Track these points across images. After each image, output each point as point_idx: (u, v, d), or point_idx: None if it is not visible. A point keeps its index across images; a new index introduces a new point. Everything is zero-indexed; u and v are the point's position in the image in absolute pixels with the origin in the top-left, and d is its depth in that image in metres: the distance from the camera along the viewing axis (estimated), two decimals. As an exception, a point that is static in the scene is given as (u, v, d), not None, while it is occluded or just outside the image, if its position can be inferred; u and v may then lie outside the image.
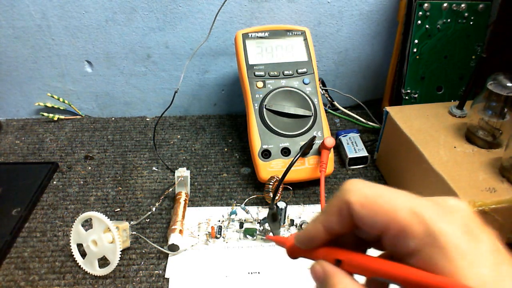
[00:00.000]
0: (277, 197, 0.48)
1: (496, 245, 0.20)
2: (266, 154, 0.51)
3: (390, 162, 0.53)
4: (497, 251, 0.20)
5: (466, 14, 0.56)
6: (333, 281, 0.22)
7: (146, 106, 0.69)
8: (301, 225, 0.46)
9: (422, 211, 0.20)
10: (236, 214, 0.47)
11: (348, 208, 0.22)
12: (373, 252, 0.23)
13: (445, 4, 0.55)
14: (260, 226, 0.45)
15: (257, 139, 0.51)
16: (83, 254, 0.41)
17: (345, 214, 0.23)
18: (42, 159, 0.58)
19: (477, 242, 0.20)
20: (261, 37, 0.55)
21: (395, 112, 0.52)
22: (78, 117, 0.68)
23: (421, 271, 0.20)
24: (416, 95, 0.59)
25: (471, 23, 0.56)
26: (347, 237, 0.24)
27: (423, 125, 0.49)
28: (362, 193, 0.22)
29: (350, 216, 0.22)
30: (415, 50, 0.57)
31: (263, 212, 0.49)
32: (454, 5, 0.55)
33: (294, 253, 0.26)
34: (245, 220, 0.47)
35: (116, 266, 0.40)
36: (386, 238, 0.22)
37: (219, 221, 0.47)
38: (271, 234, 0.45)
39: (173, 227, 0.44)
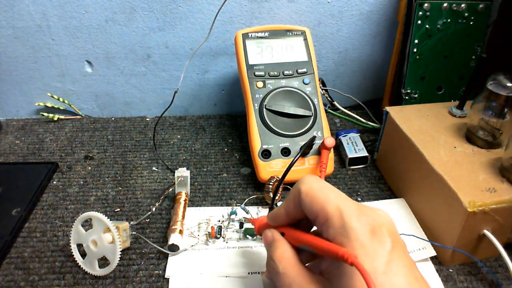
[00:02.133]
0: (277, 197, 0.48)
1: (397, 249, 0.25)
2: (266, 154, 0.51)
3: (390, 162, 0.53)
4: (394, 253, 0.25)
5: (466, 14, 0.56)
6: (276, 244, 0.30)
7: (146, 106, 0.69)
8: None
9: (344, 209, 0.26)
10: (236, 214, 0.47)
11: (299, 196, 0.28)
12: None
13: (445, 4, 0.55)
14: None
15: (257, 139, 0.51)
16: (83, 254, 0.41)
17: (298, 201, 0.29)
18: (42, 159, 0.58)
19: (380, 242, 0.25)
20: (261, 37, 0.55)
21: (395, 112, 0.52)
22: (78, 117, 0.68)
23: (325, 241, 0.26)
24: (416, 95, 0.59)
25: (471, 23, 0.56)
26: (304, 223, 0.31)
27: (423, 125, 0.49)
28: (310, 185, 0.28)
29: (300, 203, 0.28)
30: (415, 50, 0.57)
31: (263, 212, 0.49)
32: (454, 5, 0.55)
33: (261, 229, 0.34)
34: (245, 220, 0.47)
35: (116, 266, 0.40)
36: (317, 224, 0.28)
37: (219, 221, 0.47)
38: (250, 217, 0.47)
39: (173, 227, 0.44)
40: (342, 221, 0.25)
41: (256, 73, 0.54)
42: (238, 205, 0.49)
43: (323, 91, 0.65)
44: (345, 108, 0.66)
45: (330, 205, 0.26)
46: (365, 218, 0.26)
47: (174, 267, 0.42)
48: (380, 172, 0.56)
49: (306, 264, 0.30)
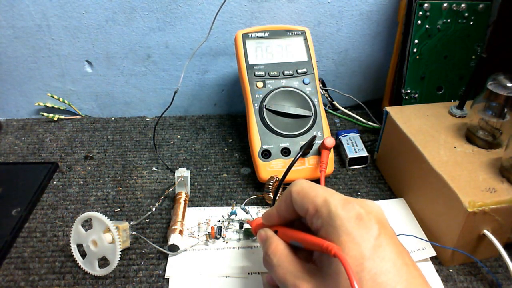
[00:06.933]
0: (277, 198, 0.48)
1: (384, 236, 0.26)
2: (266, 154, 0.51)
3: (390, 162, 0.53)
4: (381, 239, 0.25)
5: (466, 14, 0.56)
6: (270, 240, 0.32)
7: (146, 106, 0.69)
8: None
9: (331, 200, 0.27)
10: (236, 215, 0.47)
11: (290, 196, 0.30)
12: None
13: (445, 4, 0.55)
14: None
15: (257, 139, 0.51)
16: (83, 254, 0.41)
17: (289, 201, 0.30)
18: (42, 159, 0.58)
19: (366, 229, 0.26)
20: (261, 37, 0.55)
21: (395, 112, 0.52)
22: (78, 117, 0.68)
23: (312, 236, 0.28)
24: (416, 95, 0.59)
25: (471, 23, 0.56)
26: (296, 226, 0.32)
27: (423, 125, 0.49)
28: (300, 186, 0.30)
29: (292, 203, 0.30)
30: (415, 50, 0.57)
31: (263, 212, 0.49)
32: (454, 5, 0.55)
33: (257, 229, 0.36)
34: (245, 220, 0.47)
35: (116, 266, 0.40)
36: (307, 220, 0.29)
37: (219, 221, 0.47)
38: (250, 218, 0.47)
39: (173, 227, 0.44)
40: (328, 211, 0.27)
41: (256, 73, 0.54)
42: (238, 205, 0.49)
43: (323, 91, 0.65)
44: (345, 108, 0.66)
45: (319, 198, 0.28)
46: (351, 206, 0.27)
47: (174, 267, 0.42)
48: (380, 172, 0.56)
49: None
